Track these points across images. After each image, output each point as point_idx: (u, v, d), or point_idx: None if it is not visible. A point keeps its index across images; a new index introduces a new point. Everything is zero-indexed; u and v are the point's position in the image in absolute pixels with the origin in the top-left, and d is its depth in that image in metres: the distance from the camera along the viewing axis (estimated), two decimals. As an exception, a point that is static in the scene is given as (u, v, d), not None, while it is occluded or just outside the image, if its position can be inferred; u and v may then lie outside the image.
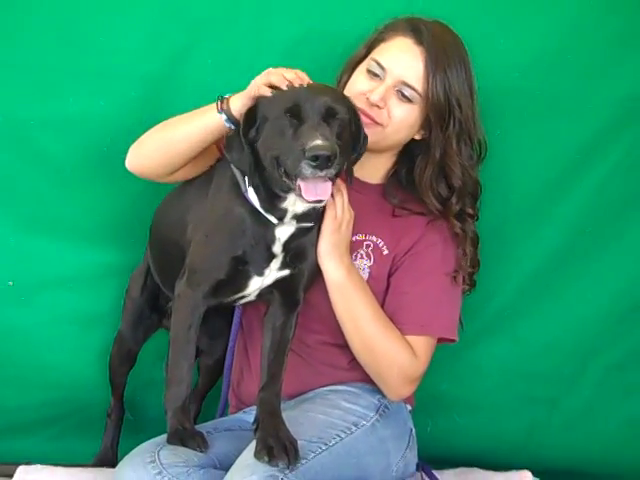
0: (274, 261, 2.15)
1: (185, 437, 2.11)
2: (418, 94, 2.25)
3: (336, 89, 2.26)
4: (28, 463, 2.53)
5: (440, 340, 2.36)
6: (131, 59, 2.51)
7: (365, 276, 2.32)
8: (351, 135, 2.09)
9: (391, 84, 2.25)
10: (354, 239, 2.31)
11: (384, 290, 2.33)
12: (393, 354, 2.26)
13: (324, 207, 2.16)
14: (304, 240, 2.17)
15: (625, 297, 2.67)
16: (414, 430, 2.40)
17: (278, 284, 2.20)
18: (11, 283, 2.62)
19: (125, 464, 2.10)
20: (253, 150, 2.06)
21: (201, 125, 2.20)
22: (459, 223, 2.33)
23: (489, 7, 2.52)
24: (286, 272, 2.18)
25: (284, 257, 2.15)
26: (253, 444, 2.05)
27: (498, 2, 2.53)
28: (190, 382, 2.20)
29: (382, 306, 2.31)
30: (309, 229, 2.17)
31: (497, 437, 2.74)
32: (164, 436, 2.14)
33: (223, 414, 2.46)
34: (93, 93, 2.51)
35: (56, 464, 2.55)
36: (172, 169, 2.29)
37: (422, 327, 2.30)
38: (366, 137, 2.15)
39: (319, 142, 1.90)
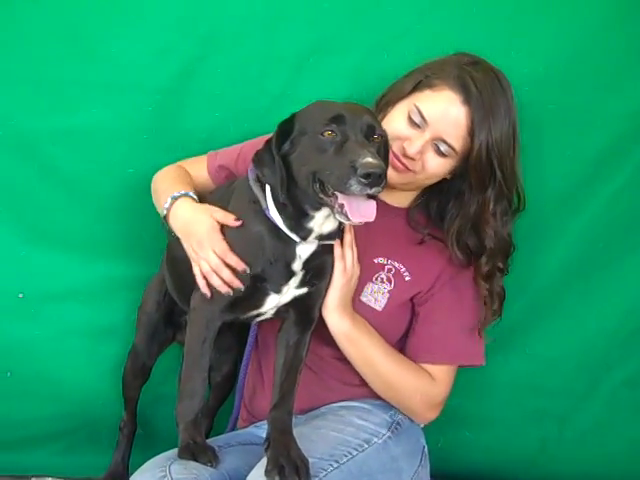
0: (293, 279, 2.12)
1: (196, 451, 2.10)
2: (455, 152, 2.22)
3: (371, 110, 2.18)
4: (40, 476, 2.53)
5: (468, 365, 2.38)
6: (141, 72, 2.51)
7: (385, 300, 2.31)
8: (385, 159, 2.06)
9: (429, 138, 2.21)
10: (376, 261, 2.31)
11: (404, 316, 2.34)
12: (412, 385, 2.29)
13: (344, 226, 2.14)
14: (324, 257, 2.15)
15: (637, 313, 2.65)
16: (426, 448, 2.38)
17: (294, 302, 2.18)
18: (21, 296, 2.62)
19: (137, 478, 2.08)
20: (285, 164, 2.02)
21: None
22: (486, 284, 2.30)
23: (499, 20, 2.51)
24: (304, 290, 2.16)
25: (304, 275, 2.13)
26: (264, 461, 2.03)
27: (508, 16, 2.51)
28: (203, 396, 2.18)
29: (404, 333, 2.34)
30: (330, 246, 2.14)
31: (508, 452, 2.73)
32: (175, 450, 2.13)
33: (234, 428, 2.44)
34: (103, 106, 2.52)
35: (67, 477, 2.55)
36: None
37: (452, 357, 2.32)
38: (388, 165, 2.10)
39: (371, 159, 1.88)
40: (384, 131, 2.05)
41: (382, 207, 2.13)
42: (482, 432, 2.73)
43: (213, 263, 2.11)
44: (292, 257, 2.09)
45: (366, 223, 1.96)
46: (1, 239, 2.59)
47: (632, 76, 2.50)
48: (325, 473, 2.04)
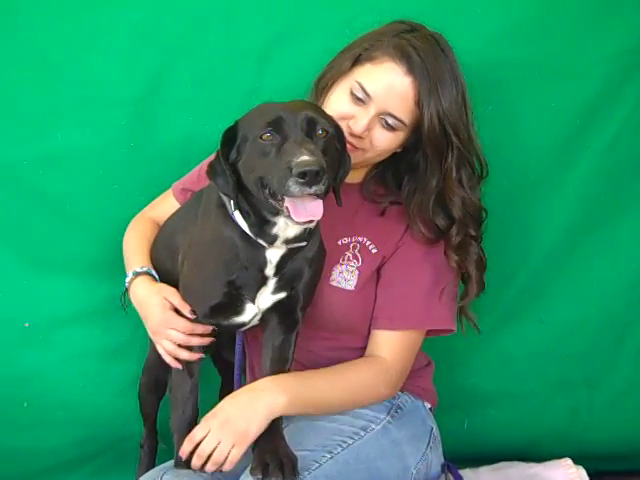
0: (268, 284, 2.06)
1: (191, 460, 2.04)
2: (404, 124, 2.14)
3: (317, 105, 2.13)
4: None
5: (437, 332, 2.26)
6: (111, 86, 2.49)
7: (355, 278, 2.22)
8: (337, 152, 1.99)
9: (375, 113, 2.13)
10: (340, 243, 2.24)
11: (372, 288, 2.24)
12: (363, 392, 2.16)
13: (317, 225, 2.06)
14: (298, 261, 2.07)
15: (653, 260, 2.54)
16: (436, 429, 2.29)
17: (276, 306, 2.11)
18: (27, 325, 2.62)
19: (131, 493, 2.08)
20: (236, 172, 1.97)
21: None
22: (457, 256, 2.19)
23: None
24: (282, 295, 2.09)
25: (278, 280, 2.06)
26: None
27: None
28: (195, 404, 2.15)
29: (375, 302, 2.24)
30: (301, 248, 2.06)
31: (538, 426, 2.64)
32: (171, 462, 2.10)
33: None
34: (79, 125, 2.51)
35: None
36: None
37: (413, 322, 2.20)
38: (349, 157, 2.04)
39: (306, 157, 1.80)
40: (332, 125, 1.96)
41: None
42: (508, 408, 2.64)
43: (178, 339, 2.11)
44: (264, 262, 2.02)
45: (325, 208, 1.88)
46: (3, 270, 2.59)
47: (611, 17, 2.40)
48: (318, 465, 1.99)
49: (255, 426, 2.00)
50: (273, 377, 2.09)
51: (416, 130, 2.14)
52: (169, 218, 2.36)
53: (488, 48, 2.34)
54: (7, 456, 2.68)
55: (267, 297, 2.08)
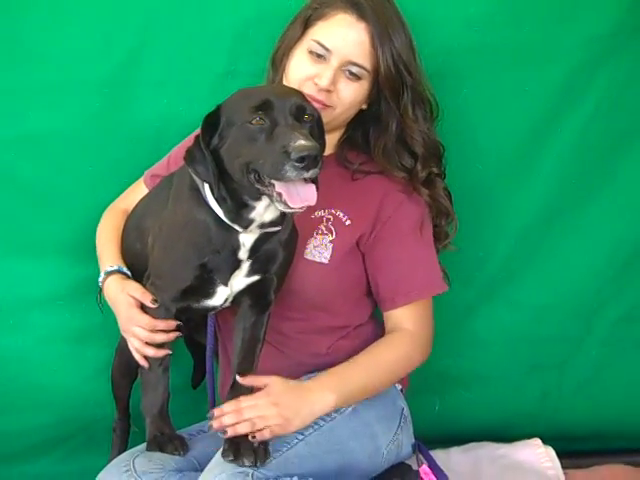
0: (241, 268, 2.06)
1: (163, 442, 2.07)
2: (367, 71, 2.17)
3: (299, 90, 2.11)
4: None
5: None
6: (84, 68, 2.46)
7: (329, 251, 2.22)
8: (319, 137, 1.99)
9: (337, 65, 2.16)
10: (313, 216, 2.24)
11: (353, 263, 2.25)
12: (399, 368, 2.22)
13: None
14: (271, 244, 2.07)
15: (624, 244, 2.55)
16: (406, 409, 2.30)
17: (249, 289, 2.11)
18: (-1, 307, 2.63)
19: (102, 476, 2.07)
20: (216, 158, 1.95)
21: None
22: (427, 190, 2.25)
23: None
24: (256, 277, 2.09)
25: (251, 264, 2.06)
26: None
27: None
28: (167, 386, 2.15)
29: (357, 282, 2.27)
30: (275, 232, 2.06)
31: (509, 408, 2.65)
32: (143, 445, 2.11)
33: (213, 416, 2.41)
34: (52, 108, 2.48)
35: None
36: None
37: (423, 289, 2.24)
38: (325, 142, 2.04)
39: (303, 142, 1.80)
40: (315, 110, 1.98)
41: None
42: (479, 390, 2.65)
43: (143, 336, 2.12)
44: (237, 245, 2.02)
45: None
46: (-27, 253, 2.58)
47: (584, 2, 2.39)
48: (289, 447, 1.99)
49: (300, 420, 2.03)
50: (313, 380, 2.11)
51: (376, 77, 2.19)
52: (140, 201, 2.35)
53: (463, 33, 2.34)
54: (-25, 439, 2.68)
55: (240, 280, 2.07)
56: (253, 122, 1.88)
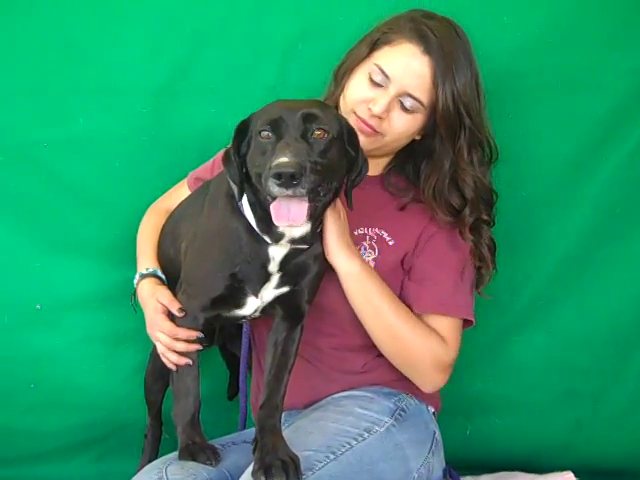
0: (270, 280, 2.06)
1: (195, 452, 2.06)
2: (422, 105, 2.16)
3: (326, 105, 2.10)
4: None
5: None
6: (135, 74, 2.51)
7: None
8: (344, 154, 1.97)
9: (394, 94, 2.15)
10: (356, 233, 2.24)
11: (394, 280, 2.24)
12: (420, 340, 2.18)
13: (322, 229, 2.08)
14: (303, 257, 2.07)
15: (665, 276, 2.52)
16: (438, 433, 2.29)
17: (279, 300, 2.11)
18: (39, 306, 2.63)
19: (134, 482, 2.07)
20: (244, 165, 1.98)
21: None
22: (472, 236, 2.22)
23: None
24: (285, 289, 2.09)
25: (281, 276, 2.06)
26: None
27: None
28: (198, 394, 2.15)
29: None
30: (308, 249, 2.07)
31: (541, 437, 2.63)
32: (175, 453, 2.10)
33: (244, 425, 2.40)
34: (101, 111, 2.53)
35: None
36: None
37: (442, 305, 2.21)
38: (366, 160, 2.03)
39: (284, 159, 1.80)
40: (338, 125, 1.95)
41: None
42: (511, 417, 2.63)
43: (164, 342, 2.15)
44: (266, 258, 2.02)
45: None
46: (16, 251, 2.61)
47: (635, 31, 2.38)
48: (321, 465, 1.97)
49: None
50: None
51: (432, 113, 2.17)
52: (177, 206, 2.37)
53: (513, 56, 2.35)
54: (10, 437, 2.71)
55: (270, 292, 2.08)
56: (262, 135, 1.91)
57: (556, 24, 2.39)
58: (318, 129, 1.90)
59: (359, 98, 2.18)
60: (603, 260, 2.53)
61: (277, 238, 1.99)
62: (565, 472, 2.42)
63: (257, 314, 2.14)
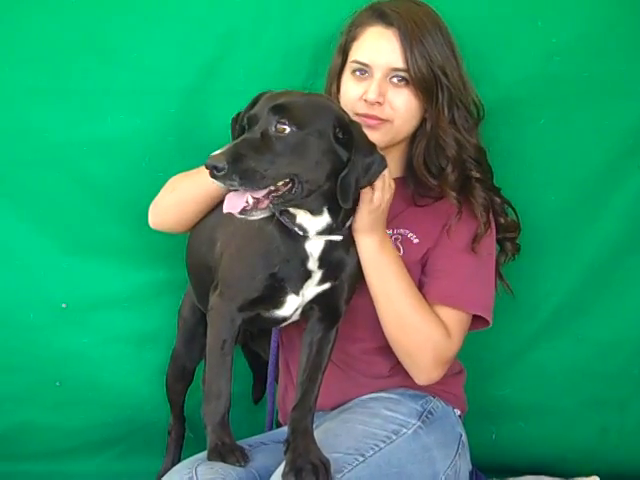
0: (312, 277, 2.06)
1: (225, 452, 2.05)
2: (408, 73, 2.18)
3: (319, 99, 2.07)
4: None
5: (474, 325, 2.26)
6: (164, 75, 2.51)
7: None
8: (326, 151, 1.94)
9: (381, 76, 2.20)
10: None
11: (415, 276, 2.24)
12: (426, 330, 2.17)
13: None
14: (339, 251, 2.07)
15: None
16: (464, 436, 2.28)
17: (318, 299, 2.11)
18: (65, 306, 2.65)
19: (165, 481, 2.08)
20: None
21: (205, 186, 2.24)
22: (454, 193, 2.22)
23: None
24: (327, 285, 2.09)
25: (323, 273, 2.06)
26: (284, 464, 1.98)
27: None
28: (229, 396, 2.13)
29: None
30: (343, 241, 2.06)
31: (566, 443, 2.62)
32: (205, 453, 2.09)
33: (271, 428, 2.40)
34: (129, 112, 2.53)
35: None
36: (188, 224, 2.38)
37: (449, 297, 2.20)
38: (383, 159, 1.99)
39: (216, 152, 1.85)
40: (309, 120, 1.93)
41: None
42: (537, 422, 2.61)
43: None
44: (304, 255, 2.03)
45: None
46: (42, 251, 2.62)
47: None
48: (350, 468, 1.97)
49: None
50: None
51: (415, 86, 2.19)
52: (211, 212, 2.35)
53: (544, 62, 2.33)
54: (36, 433, 2.72)
55: (312, 289, 2.08)
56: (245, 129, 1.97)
57: (591, 30, 2.38)
58: (280, 123, 1.91)
59: (353, 97, 2.22)
60: (632, 267, 2.51)
61: (303, 230, 2.01)
62: (592, 477, 2.42)
63: (296, 317, 2.14)
